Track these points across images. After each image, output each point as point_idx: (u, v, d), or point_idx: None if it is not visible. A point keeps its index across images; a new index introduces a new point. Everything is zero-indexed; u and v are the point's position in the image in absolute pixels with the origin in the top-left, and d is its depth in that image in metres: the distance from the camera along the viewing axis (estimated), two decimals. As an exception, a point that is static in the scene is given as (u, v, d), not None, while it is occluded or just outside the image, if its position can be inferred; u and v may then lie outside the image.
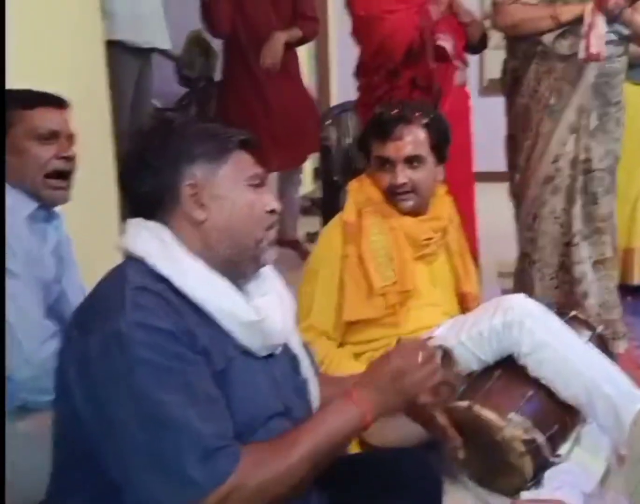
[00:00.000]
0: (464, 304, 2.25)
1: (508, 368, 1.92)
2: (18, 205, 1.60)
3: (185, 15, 4.11)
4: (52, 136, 1.65)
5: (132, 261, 1.18)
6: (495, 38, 6.53)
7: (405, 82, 2.62)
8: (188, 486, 1.05)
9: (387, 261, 2.07)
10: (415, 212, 2.14)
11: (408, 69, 2.62)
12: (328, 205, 3.84)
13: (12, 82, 1.79)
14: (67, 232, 1.79)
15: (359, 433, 1.21)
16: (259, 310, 1.22)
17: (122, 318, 1.07)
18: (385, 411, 1.21)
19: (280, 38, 3.45)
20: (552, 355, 1.88)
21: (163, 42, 3.15)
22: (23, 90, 1.66)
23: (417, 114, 2.11)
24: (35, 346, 1.52)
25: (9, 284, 1.49)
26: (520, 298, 2.00)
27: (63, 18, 2.17)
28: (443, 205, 2.23)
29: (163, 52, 3.23)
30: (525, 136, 2.74)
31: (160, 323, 1.09)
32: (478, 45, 2.91)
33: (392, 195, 2.11)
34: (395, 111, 2.11)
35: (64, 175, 1.67)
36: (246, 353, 1.20)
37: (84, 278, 1.83)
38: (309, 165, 4.72)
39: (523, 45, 2.69)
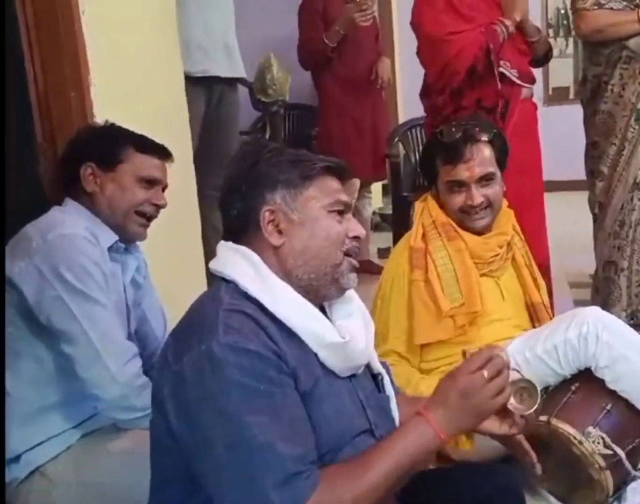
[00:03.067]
0: (535, 315, 2.24)
1: (585, 381, 1.91)
2: (102, 236, 1.69)
3: (258, 41, 4.28)
4: (152, 183, 1.76)
5: (224, 283, 1.22)
6: (559, 46, 6.45)
7: (471, 103, 2.63)
8: None
9: (454, 283, 2.09)
10: (485, 230, 2.15)
11: (473, 89, 2.63)
12: (398, 220, 3.89)
13: (98, 116, 1.91)
14: (144, 258, 1.86)
15: (433, 451, 1.21)
16: (343, 332, 1.26)
17: (215, 340, 1.11)
18: (458, 429, 1.22)
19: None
20: (630, 368, 1.87)
21: (232, 70, 3.08)
22: (140, 135, 1.78)
23: (477, 130, 2.12)
24: (120, 366, 1.57)
25: (92, 310, 1.57)
26: (595, 311, 1.99)
27: (145, 50, 2.26)
28: (507, 219, 2.24)
29: (237, 79, 3.26)
30: (610, 142, 2.74)
31: (251, 345, 1.12)
32: (542, 59, 2.91)
33: (467, 215, 2.12)
34: (457, 132, 2.12)
35: (149, 218, 1.78)
36: (330, 373, 1.24)
37: (169, 305, 1.90)
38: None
39: (605, 51, 2.70)
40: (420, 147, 4.14)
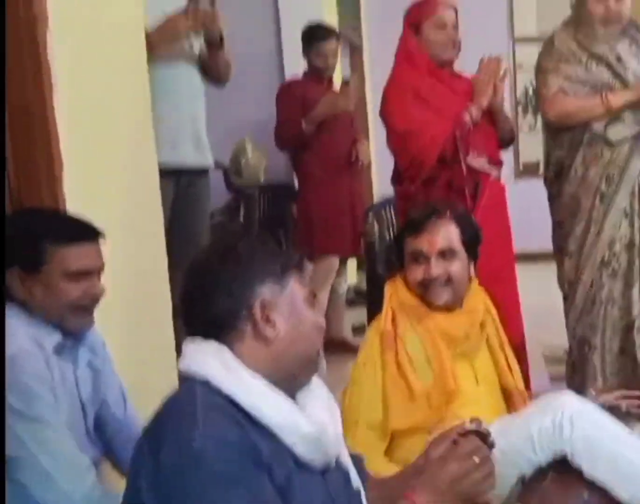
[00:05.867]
0: (510, 400, 2.23)
1: (561, 469, 1.89)
2: (45, 338, 1.60)
3: (234, 123, 4.35)
4: (84, 274, 1.63)
5: (196, 380, 1.23)
6: (528, 122, 6.65)
7: (442, 184, 2.69)
8: None
9: (426, 364, 2.08)
10: (449, 307, 2.15)
11: (444, 172, 2.68)
12: (372, 298, 3.90)
13: (71, 209, 1.89)
14: (100, 337, 1.78)
15: None
16: (315, 420, 1.27)
17: (195, 433, 1.13)
18: None
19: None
20: (606, 456, 1.85)
21: (200, 160, 3.02)
22: (57, 222, 1.65)
23: (447, 210, 2.17)
24: (75, 485, 1.53)
25: (40, 432, 1.50)
26: (570, 397, 1.98)
27: (118, 142, 2.27)
28: (478, 298, 2.24)
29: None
30: (576, 221, 2.80)
31: (228, 437, 1.14)
32: (507, 141, 2.97)
33: (426, 289, 2.13)
34: (425, 208, 2.19)
35: (89, 308, 1.67)
36: (304, 468, 1.24)
37: (137, 391, 1.88)
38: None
39: (568, 135, 2.79)
40: (395, 225, 4.20)
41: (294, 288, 1.31)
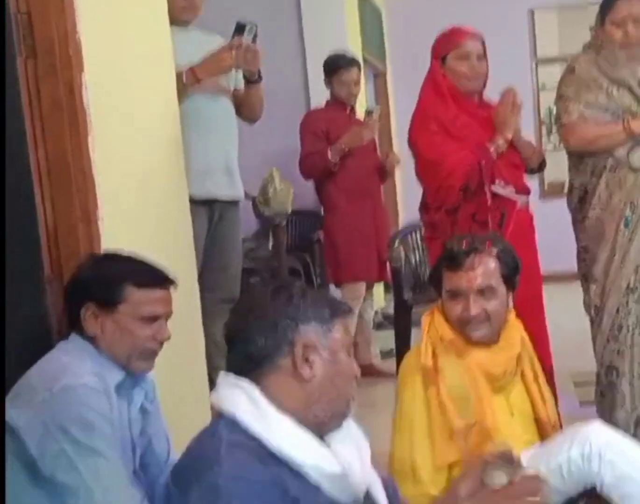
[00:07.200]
0: (543, 431, 2.22)
1: (591, 501, 1.91)
2: (109, 375, 1.68)
3: (262, 153, 4.42)
4: (155, 318, 1.72)
5: (224, 418, 1.28)
6: (553, 142, 6.65)
7: (465, 216, 2.69)
8: None
9: (466, 402, 2.06)
10: (487, 342, 2.14)
11: (468, 204, 2.69)
12: (400, 323, 3.95)
13: (106, 243, 1.96)
14: (152, 380, 1.83)
15: None
16: (341, 459, 1.30)
17: (219, 472, 1.17)
18: None
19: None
20: (635, 488, 1.86)
21: (232, 192, 3.09)
22: (142, 266, 1.74)
23: (484, 243, 2.15)
24: None
25: (96, 463, 1.54)
26: (597, 427, 1.99)
27: (152, 179, 2.33)
28: (515, 332, 2.23)
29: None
30: (601, 247, 2.78)
31: (254, 475, 1.18)
32: (536, 169, 2.99)
33: (464, 325, 2.11)
34: (464, 242, 2.16)
35: (154, 352, 1.75)
36: (333, 503, 1.27)
37: (172, 424, 1.92)
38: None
39: (590, 161, 2.77)
40: (420, 248, 4.24)
41: (338, 335, 1.35)
